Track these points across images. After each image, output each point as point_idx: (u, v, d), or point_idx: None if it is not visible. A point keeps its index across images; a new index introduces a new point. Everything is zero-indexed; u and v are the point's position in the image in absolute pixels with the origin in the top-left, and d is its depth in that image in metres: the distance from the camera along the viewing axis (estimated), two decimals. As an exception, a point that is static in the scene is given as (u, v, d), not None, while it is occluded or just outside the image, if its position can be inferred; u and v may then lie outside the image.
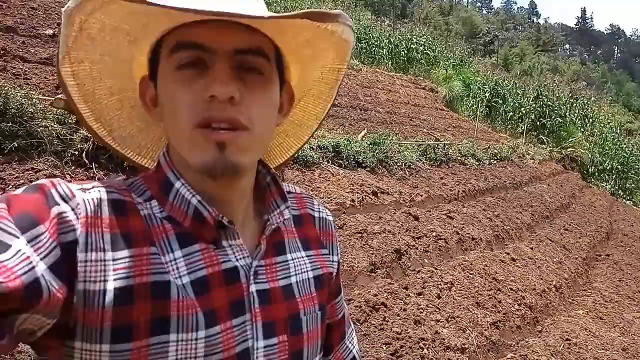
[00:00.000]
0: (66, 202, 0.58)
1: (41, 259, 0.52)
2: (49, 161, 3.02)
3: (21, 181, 2.80)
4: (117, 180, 0.68)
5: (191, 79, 0.61)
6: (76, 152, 3.16)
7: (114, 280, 0.57)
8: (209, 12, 0.54)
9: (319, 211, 0.85)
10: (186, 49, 0.62)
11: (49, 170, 2.96)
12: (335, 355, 0.89)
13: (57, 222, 0.55)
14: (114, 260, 0.58)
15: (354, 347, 0.93)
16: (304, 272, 0.76)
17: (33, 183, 0.58)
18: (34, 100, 3.12)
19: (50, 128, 3.09)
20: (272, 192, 0.76)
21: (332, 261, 0.83)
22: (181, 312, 0.60)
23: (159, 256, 0.62)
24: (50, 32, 4.86)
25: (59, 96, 3.30)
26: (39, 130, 3.02)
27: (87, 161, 3.16)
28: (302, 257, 0.77)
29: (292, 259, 0.75)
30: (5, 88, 2.98)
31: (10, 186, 2.74)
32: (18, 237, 0.51)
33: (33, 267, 0.50)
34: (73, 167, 3.13)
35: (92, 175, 3.13)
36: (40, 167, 2.94)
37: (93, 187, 0.63)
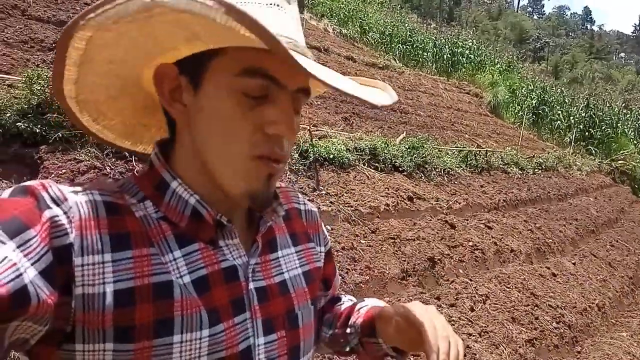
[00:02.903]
0: (58, 205, 0.56)
1: (32, 264, 0.50)
2: (90, 152, 3.11)
3: (63, 171, 2.89)
4: (108, 182, 0.66)
5: (252, 106, 0.62)
6: (117, 145, 3.24)
7: (114, 282, 0.56)
8: (353, 96, 0.57)
9: (304, 204, 0.87)
10: (257, 77, 0.60)
11: (90, 161, 3.05)
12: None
13: (50, 226, 0.53)
14: (113, 262, 0.57)
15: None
16: (294, 268, 0.77)
17: (22, 185, 0.56)
18: (80, 92, 3.22)
19: (93, 120, 3.19)
20: None
21: (319, 253, 0.85)
22: (185, 311, 0.60)
23: (159, 256, 0.61)
24: (100, 27, 5.02)
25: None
26: (82, 121, 3.12)
27: (127, 154, 3.24)
28: (292, 254, 0.78)
29: (283, 256, 0.76)
30: (54, 80, 3.09)
31: (53, 175, 2.84)
32: (5, 243, 0.49)
33: (20, 274, 0.48)
34: (114, 159, 3.21)
35: (131, 167, 3.20)
36: (82, 158, 3.03)
37: (85, 190, 0.61)
